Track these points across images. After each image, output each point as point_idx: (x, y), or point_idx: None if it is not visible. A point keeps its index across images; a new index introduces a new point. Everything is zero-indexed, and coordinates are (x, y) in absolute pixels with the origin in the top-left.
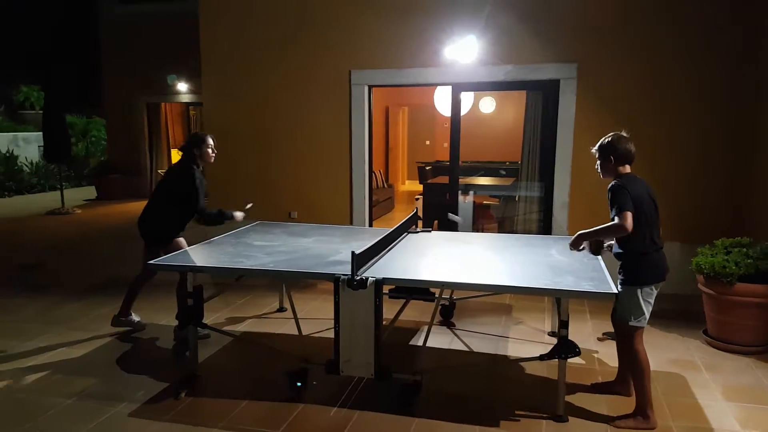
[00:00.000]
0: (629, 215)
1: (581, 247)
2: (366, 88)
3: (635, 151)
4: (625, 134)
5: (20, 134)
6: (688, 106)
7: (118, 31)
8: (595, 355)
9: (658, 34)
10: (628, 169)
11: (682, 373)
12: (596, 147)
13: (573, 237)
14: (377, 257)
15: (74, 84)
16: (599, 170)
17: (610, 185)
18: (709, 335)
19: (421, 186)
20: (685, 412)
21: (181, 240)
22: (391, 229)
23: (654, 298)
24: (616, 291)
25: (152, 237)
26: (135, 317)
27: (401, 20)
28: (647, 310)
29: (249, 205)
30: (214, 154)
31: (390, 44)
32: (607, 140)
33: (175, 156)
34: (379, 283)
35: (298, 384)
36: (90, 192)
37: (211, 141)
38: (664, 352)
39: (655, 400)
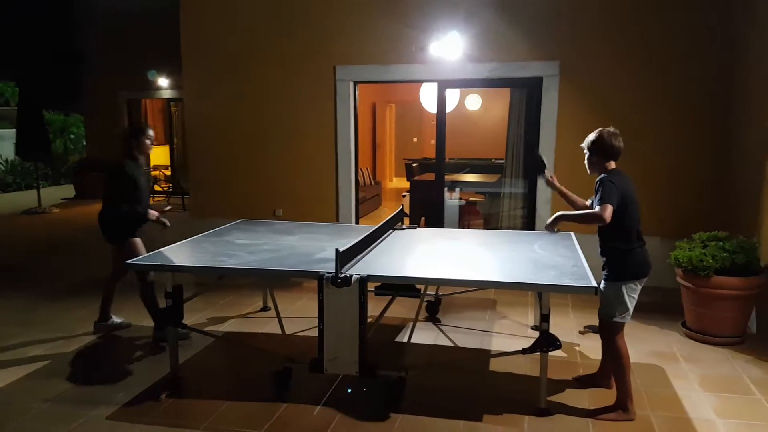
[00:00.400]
0: (610, 208)
1: (556, 229)
2: (351, 84)
3: (622, 147)
4: (613, 129)
5: None
6: (669, 103)
7: (98, 25)
8: (577, 348)
9: (640, 31)
10: (613, 164)
11: (661, 365)
12: (585, 142)
13: (552, 217)
14: (362, 254)
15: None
16: (587, 165)
17: (599, 178)
18: (687, 327)
19: (410, 183)
20: (663, 403)
21: (136, 241)
22: (377, 226)
23: (638, 294)
24: (595, 285)
25: (106, 236)
26: (116, 319)
27: (386, 15)
28: (631, 305)
29: (167, 208)
30: (151, 146)
31: (375, 40)
32: (595, 135)
33: (156, 152)
34: (364, 280)
35: (283, 384)
36: (68, 190)
37: (150, 132)
38: (644, 344)
39: (634, 392)
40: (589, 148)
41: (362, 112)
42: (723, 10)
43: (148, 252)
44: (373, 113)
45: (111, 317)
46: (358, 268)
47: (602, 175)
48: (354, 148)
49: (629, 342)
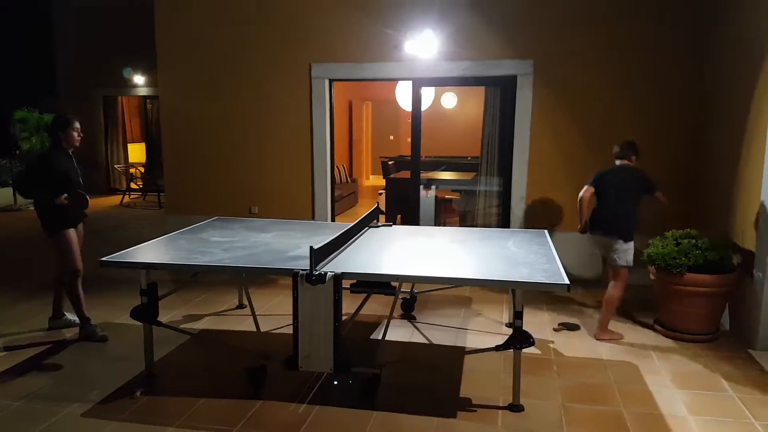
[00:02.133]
0: (585, 188)
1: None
2: (327, 82)
3: (616, 152)
4: (628, 141)
5: None
6: (642, 103)
7: (72, 23)
8: (551, 345)
9: (612, 29)
10: (617, 163)
11: (634, 361)
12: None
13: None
14: (337, 252)
15: (26, 78)
16: None
17: None
18: (660, 324)
19: (386, 180)
20: (636, 399)
21: (68, 232)
22: (352, 224)
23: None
24: (567, 282)
25: (43, 228)
26: (70, 316)
27: (361, 14)
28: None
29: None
30: (79, 138)
31: (351, 38)
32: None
33: (132, 150)
34: (338, 277)
35: (258, 381)
36: None
37: (77, 124)
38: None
39: (607, 388)
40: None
41: (338, 110)
42: (695, 9)
43: (124, 249)
44: (349, 111)
45: (64, 314)
46: (333, 266)
47: None
48: (330, 146)
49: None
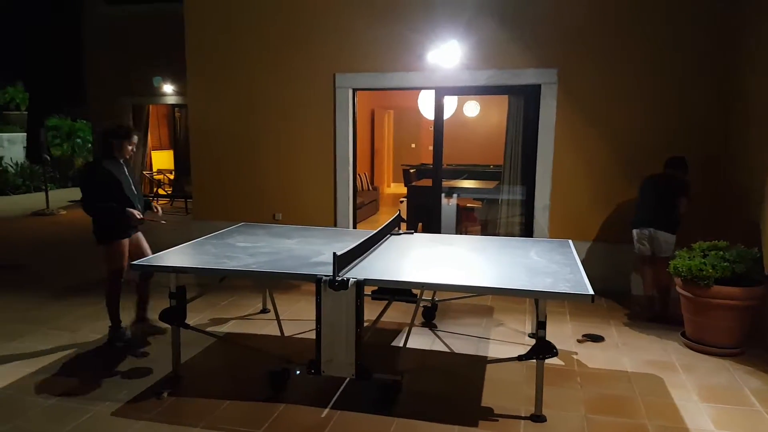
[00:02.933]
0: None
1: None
2: (350, 92)
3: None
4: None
5: (5, 135)
6: (666, 111)
7: (103, 32)
8: (575, 356)
9: (636, 38)
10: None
11: (659, 374)
12: None
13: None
14: (359, 258)
15: (58, 86)
16: None
17: None
18: (686, 337)
19: (407, 188)
20: (661, 412)
21: (119, 242)
22: (374, 231)
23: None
24: (592, 293)
25: (95, 237)
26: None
27: (386, 24)
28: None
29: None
30: (132, 152)
31: (374, 48)
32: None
33: (160, 156)
34: (361, 284)
35: (281, 384)
36: (75, 193)
37: (135, 138)
38: (643, 353)
39: (631, 400)
40: None
41: (361, 119)
42: (724, 17)
43: (153, 253)
44: (371, 119)
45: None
46: (355, 272)
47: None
48: (352, 154)
49: (627, 351)
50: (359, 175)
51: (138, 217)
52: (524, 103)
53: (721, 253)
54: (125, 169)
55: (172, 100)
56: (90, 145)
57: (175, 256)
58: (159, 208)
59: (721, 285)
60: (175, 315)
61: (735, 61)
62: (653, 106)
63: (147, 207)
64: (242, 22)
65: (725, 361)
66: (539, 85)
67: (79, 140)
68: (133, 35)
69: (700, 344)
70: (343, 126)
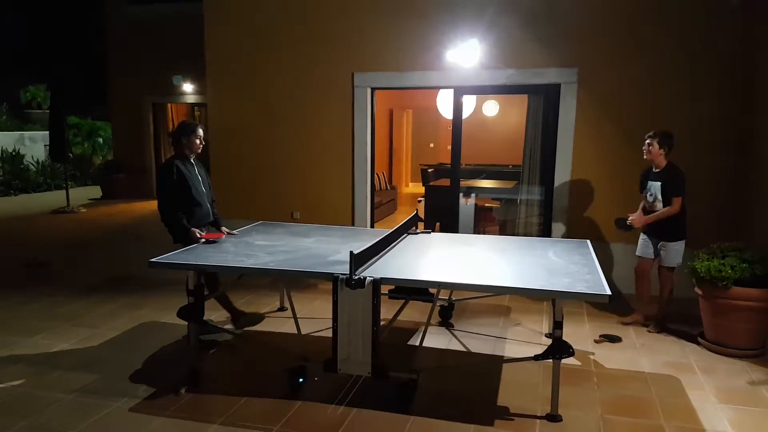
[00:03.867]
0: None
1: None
2: (369, 91)
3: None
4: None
5: (26, 133)
6: (686, 110)
7: (125, 31)
8: (592, 357)
9: (656, 37)
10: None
11: (677, 375)
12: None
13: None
14: (376, 257)
15: (80, 84)
16: (653, 154)
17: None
18: (705, 338)
19: (426, 188)
20: (678, 413)
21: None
22: (391, 230)
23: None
24: (609, 293)
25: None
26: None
27: (404, 23)
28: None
29: (234, 232)
30: (201, 145)
31: (393, 47)
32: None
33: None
34: (377, 282)
35: (299, 380)
36: (95, 191)
37: (200, 131)
38: (660, 354)
39: (648, 401)
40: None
41: (379, 118)
42: (747, 14)
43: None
44: (390, 119)
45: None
46: (372, 271)
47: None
48: (370, 153)
49: (645, 352)
50: (377, 174)
51: (198, 236)
52: (544, 103)
53: (740, 254)
54: (195, 168)
55: (192, 99)
56: (110, 144)
57: (193, 254)
58: (226, 229)
59: (740, 286)
60: (193, 312)
61: (754, 60)
62: (676, 106)
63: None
64: (262, 21)
65: (744, 363)
66: (559, 85)
67: (100, 139)
68: (155, 35)
69: (718, 345)
70: (361, 125)
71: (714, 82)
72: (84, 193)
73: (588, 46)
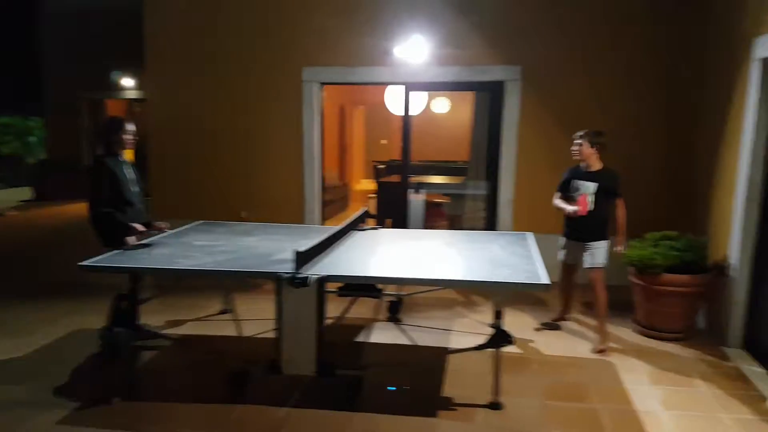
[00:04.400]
0: None
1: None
2: (317, 86)
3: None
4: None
5: None
6: (627, 106)
7: (58, 25)
8: (532, 344)
9: (597, 35)
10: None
11: (612, 360)
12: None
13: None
14: (323, 255)
15: (10, 82)
16: (585, 154)
17: (611, 173)
18: (638, 323)
19: (377, 184)
20: (612, 396)
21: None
22: (339, 227)
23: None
24: (548, 282)
25: (102, 243)
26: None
27: (354, 18)
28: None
29: (164, 224)
30: (132, 140)
31: (342, 42)
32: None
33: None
34: (323, 280)
35: (240, 385)
36: (26, 193)
37: (129, 126)
38: (597, 339)
39: (585, 386)
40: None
41: (331, 114)
42: (682, 13)
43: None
44: (342, 115)
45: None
46: (318, 269)
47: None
48: (320, 150)
49: (582, 338)
50: (329, 171)
51: (139, 230)
52: (490, 100)
53: (672, 242)
54: (126, 166)
55: (131, 94)
56: (43, 143)
57: (127, 256)
58: (161, 224)
59: (671, 273)
60: (126, 317)
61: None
62: (614, 101)
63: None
64: (204, 13)
65: (674, 345)
66: (504, 82)
67: (33, 138)
68: (90, 28)
69: (651, 330)
70: (310, 121)
71: (654, 82)
72: (14, 195)
73: (530, 45)
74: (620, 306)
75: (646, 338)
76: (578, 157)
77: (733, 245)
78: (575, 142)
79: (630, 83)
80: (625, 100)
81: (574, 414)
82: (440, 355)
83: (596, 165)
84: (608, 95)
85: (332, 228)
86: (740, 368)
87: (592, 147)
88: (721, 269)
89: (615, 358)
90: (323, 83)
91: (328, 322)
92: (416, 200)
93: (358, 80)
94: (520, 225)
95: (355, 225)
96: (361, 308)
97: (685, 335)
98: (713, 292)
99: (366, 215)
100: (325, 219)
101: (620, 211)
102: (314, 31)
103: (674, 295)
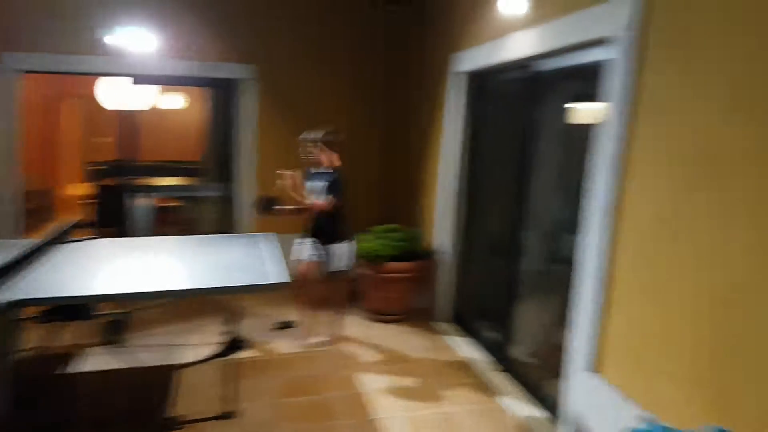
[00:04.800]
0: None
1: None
2: (17, 74)
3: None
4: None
5: None
6: (356, 108)
7: None
8: (268, 346)
9: (323, 37)
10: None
11: (343, 348)
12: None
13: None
14: (17, 275)
15: None
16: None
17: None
18: (367, 310)
19: (96, 188)
20: (341, 384)
21: None
22: (40, 241)
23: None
24: (282, 281)
25: None
26: None
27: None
28: None
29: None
30: None
31: (49, 26)
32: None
33: None
34: (11, 305)
35: None
36: None
37: None
38: (328, 331)
39: (317, 378)
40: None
41: (38, 107)
42: (401, 17)
43: None
44: (49, 109)
45: None
46: (10, 293)
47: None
48: (16, 147)
49: (315, 333)
50: (30, 174)
51: None
52: (226, 97)
53: (393, 234)
54: None
55: None
56: None
57: None
58: None
59: (394, 261)
60: None
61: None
62: (339, 101)
63: None
64: None
65: (397, 327)
66: (239, 80)
67: None
68: None
69: (378, 315)
70: (7, 115)
71: (370, 81)
72: None
73: (265, 44)
74: (353, 296)
75: (374, 323)
76: (308, 159)
77: (442, 234)
78: (303, 144)
79: (355, 85)
80: (354, 101)
81: (306, 407)
82: (168, 372)
83: (324, 164)
84: (334, 95)
85: (32, 241)
86: (448, 339)
87: (317, 146)
88: (432, 255)
89: (346, 346)
90: (26, 71)
91: (28, 353)
92: (144, 205)
93: (69, 69)
94: (262, 226)
95: (65, 236)
96: (75, 334)
97: (405, 316)
98: (428, 276)
99: (80, 224)
100: (28, 231)
101: (322, 202)
102: (16, 13)
103: (396, 281)
